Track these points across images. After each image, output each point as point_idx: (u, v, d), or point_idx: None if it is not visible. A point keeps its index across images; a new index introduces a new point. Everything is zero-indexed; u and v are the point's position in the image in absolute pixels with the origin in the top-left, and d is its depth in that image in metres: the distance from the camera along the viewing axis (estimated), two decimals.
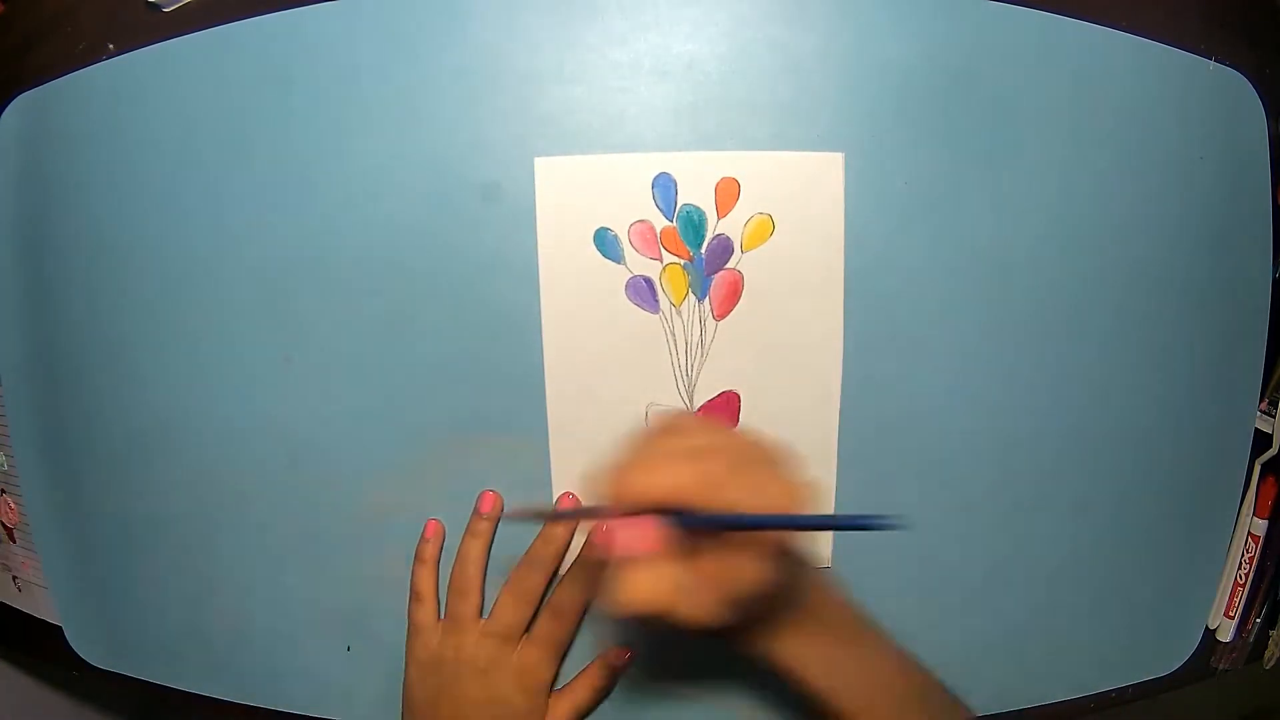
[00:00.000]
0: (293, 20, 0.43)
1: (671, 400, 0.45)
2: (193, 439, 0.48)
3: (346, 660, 0.50)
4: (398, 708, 0.50)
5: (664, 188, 0.43)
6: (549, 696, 0.48)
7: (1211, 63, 0.45)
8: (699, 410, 0.45)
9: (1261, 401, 0.50)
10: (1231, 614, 0.52)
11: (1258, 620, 0.52)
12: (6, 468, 0.53)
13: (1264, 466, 0.51)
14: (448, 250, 0.44)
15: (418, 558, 0.48)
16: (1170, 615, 0.52)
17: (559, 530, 0.46)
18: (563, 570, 0.47)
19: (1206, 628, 0.52)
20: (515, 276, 0.44)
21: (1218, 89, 0.46)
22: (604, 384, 0.45)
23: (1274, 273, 0.48)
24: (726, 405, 0.45)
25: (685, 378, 0.45)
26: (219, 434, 0.48)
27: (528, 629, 0.47)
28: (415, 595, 0.48)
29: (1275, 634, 0.53)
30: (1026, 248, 0.45)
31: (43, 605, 0.54)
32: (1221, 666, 0.53)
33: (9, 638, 0.57)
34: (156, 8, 0.44)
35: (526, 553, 0.46)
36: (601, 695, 0.49)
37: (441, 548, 0.48)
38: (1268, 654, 0.53)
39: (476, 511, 0.47)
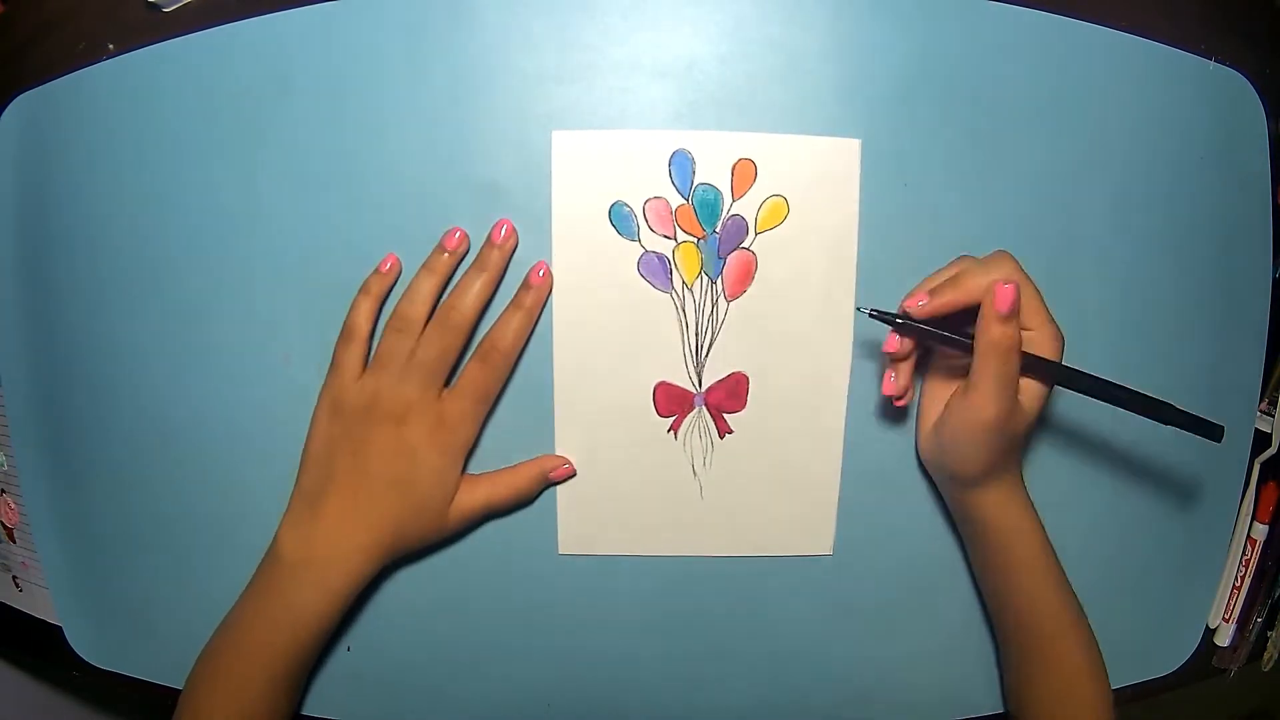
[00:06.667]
0: (293, 20, 0.43)
1: (680, 379, 0.45)
2: (193, 439, 0.48)
3: (346, 660, 0.50)
4: (398, 708, 0.50)
5: (680, 165, 0.43)
6: (463, 469, 0.44)
7: (1211, 63, 0.45)
8: (706, 391, 0.45)
9: (1261, 401, 0.50)
10: (1230, 615, 0.52)
11: (1258, 620, 0.52)
12: (6, 468, 0.53)
13: (1264, 467, 0.51)
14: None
15: (362, 289, 0.44)
16: (1170, 615, 0.52)
17: (494, 255, 0.43)
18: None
19: (1206, 628, 0.52)
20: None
21: (1218, 89, 0.46)
22: (612, 360, 0.45)
23: (1274, 273, 0.49)
24: (734, 386, 0.45)
25: (694, 357, 0.45)
26: (219, 434, 0.48)
27: (449, 382, 0.43)
28: (346, 332, 0.43)
29: (1274, 635, 0.53)
30: (1027, 246, 0.45)
31: (42, 605, 0.54)
32: (1221, 667, 0.53)
33: (9, 638, 0.57)
34: (156, 8, 0.44)
35: (459, 280, 0.43)
36: (521, 500, 0.46)
37: (392, 287, 0.44)
38: (1266, 655, 0.53)
39: (439, 246, 0.43)
